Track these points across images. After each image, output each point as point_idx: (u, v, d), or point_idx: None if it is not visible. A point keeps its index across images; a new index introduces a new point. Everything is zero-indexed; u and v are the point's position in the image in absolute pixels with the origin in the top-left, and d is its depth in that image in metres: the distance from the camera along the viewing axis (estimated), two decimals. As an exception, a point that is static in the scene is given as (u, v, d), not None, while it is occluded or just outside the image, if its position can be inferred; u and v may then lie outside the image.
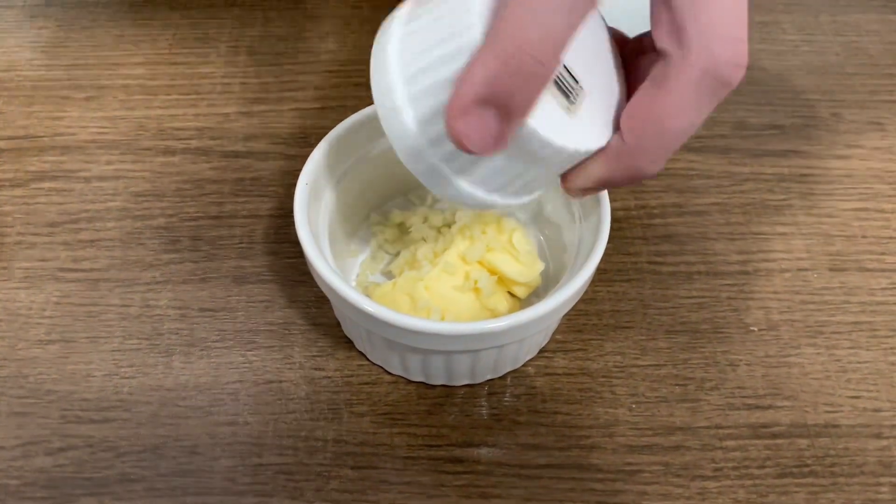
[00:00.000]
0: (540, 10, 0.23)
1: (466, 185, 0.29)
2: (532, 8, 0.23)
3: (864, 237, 0.44)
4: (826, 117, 0.50)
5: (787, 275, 0.43)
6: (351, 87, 0.51)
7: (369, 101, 0.38)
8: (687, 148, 0.48)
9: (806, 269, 0.43)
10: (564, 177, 0.30)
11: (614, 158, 0.28)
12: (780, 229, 0.45)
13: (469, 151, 0.24)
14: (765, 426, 0.37)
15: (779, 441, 0.37)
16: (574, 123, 0.27)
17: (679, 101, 0.26)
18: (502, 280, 0.38)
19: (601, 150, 0.29)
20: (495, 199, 0.30)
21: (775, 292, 0.42)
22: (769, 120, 0.50)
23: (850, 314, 0.41)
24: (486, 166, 0.28)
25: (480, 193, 0.30)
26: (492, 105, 0.24)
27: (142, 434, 0.36)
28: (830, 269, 0.43)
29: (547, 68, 0.23)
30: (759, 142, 0.49)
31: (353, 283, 0.40)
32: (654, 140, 0.27)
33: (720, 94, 0.27)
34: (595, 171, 0.29)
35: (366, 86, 0.50)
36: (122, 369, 0.38)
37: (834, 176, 0.47)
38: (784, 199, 0.46)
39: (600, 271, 0.42)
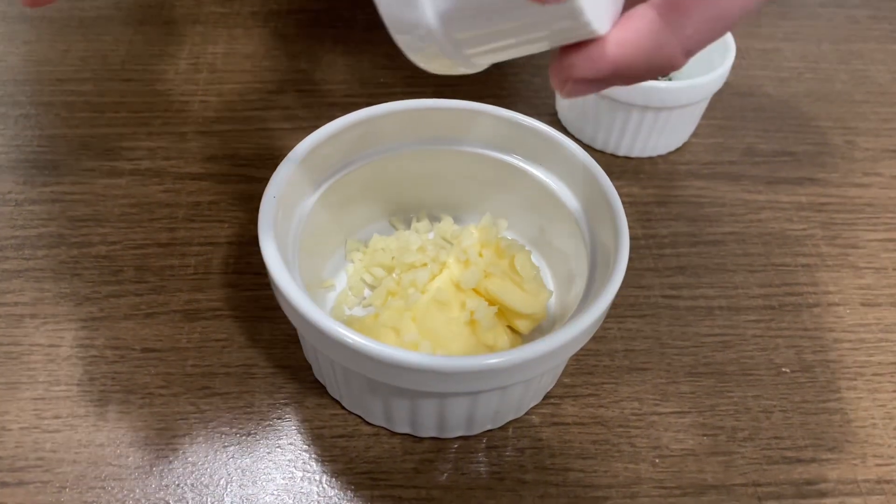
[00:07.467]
0: None
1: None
2: None
3: (895, 270, 0.40)
4: (840, 145, 0.47)
5: (817, 310, 0.38)
6: (325, 108, 0.46)
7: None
8: (694, 174, 0.44)
9: (836, 304, 0.38)
10: (561, 57, 0.22)
11: (644, 35, 0.20)
12: (803, 260, 0.40)
13: None
14: (809, 483, 0.32)
15: (827, 500, 0.31)
16: None
17: None
18: (503, 311, 0.32)
19: (623, 22, 0.21)
20: (439, 34, 0.21)
21: (805, 329, 0.37)
22: (780, 146, 0.46)
23: (891, 353, 0.36)
24: None
25: (431, 18, 0.20)
26: None
27: (65, 501, 0.29)
28: (863, 305, 0.38)
29: None
30: (771, 168, 0.45)
31: (327, 319, 0.35)
32: (702, 16, 0.20)
33: None
34: (612, 51, 0.20)
35: (342, 106, 0.46)
36: (45, 421, 0.32)
37: (855, 205, 0.43)
38: (804, 229, 0.42)
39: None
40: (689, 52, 0.21)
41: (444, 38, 0.21)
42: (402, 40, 0.21)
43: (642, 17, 0.20)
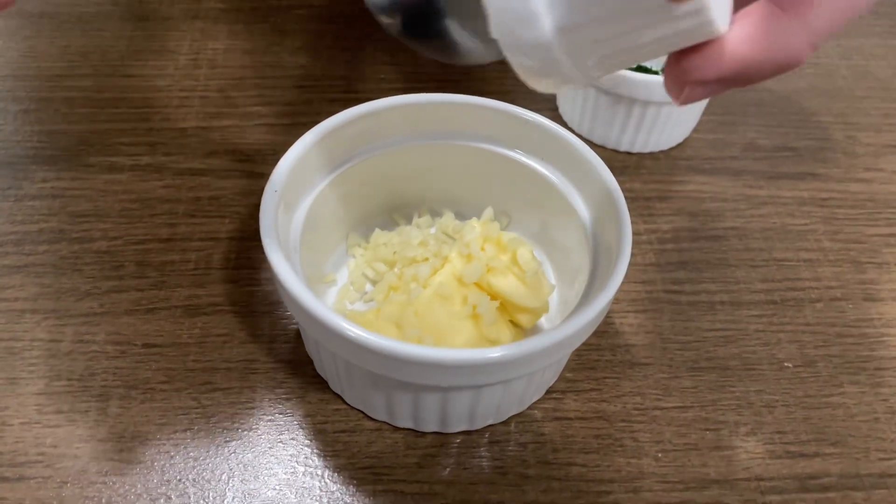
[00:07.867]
0: None
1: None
2: None
3: (897, 264, 0.40)
4: (841, 140, 0.47)
5: (819, 305, 0.38)
6: (325, 103, 0.46)
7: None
8: (695, 169, 0.44)
9: (839, 299, 0.38)
10: (678, 61, 0.21)
11: (768, 29, 0.19)
12: (805, 255, 0.40)
13: None
14: (812, 477, 0.32)
15: (830, 494, 0.31)
16: None
17: None
18: (505, 306, 0.32)
19: (743, 18, 0.20)
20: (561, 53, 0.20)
21: (808, 324, 0.37)
22: (781, 142, 0.46)
23: (893, 348, 0.36)
24: None
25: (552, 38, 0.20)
26: None
27: (66, 496, 0.29)
28: (865, 300, 0.38)
29: None
30: (772, 164, 0.45)
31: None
32: (831, 5, 0.19)
33: None
34: (736, 49, 0.20)
35: (342, 101, 0.45)
36: (46, 416, 0.31)
37: (857, 200, 0.43)
38: (806, 224, 0.42)
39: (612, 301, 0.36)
40: (815, 46, 0.20)
41: (562, 48, 0.20)
42: (514, 56, 0.21)
43: (763, 11, 0.19)
